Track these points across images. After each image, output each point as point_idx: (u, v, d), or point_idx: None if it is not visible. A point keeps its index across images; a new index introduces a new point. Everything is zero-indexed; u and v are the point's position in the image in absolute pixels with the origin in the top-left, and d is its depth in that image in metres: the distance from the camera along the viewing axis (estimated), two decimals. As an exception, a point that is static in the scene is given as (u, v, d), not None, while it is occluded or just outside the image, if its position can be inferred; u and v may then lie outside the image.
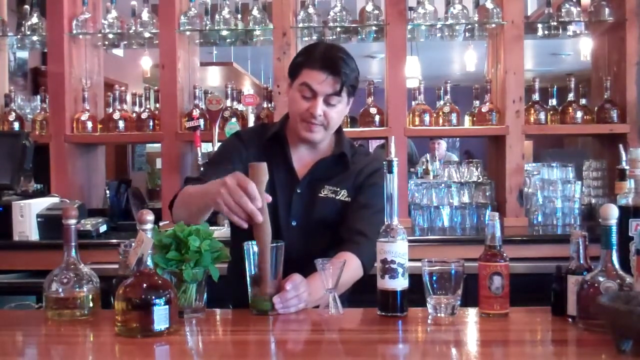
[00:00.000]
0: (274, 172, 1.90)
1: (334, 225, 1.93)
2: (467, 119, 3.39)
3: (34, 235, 2.92)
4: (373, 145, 7.52)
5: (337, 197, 1.95)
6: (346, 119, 3.29)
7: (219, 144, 2.21)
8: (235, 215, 1.56)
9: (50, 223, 2.88)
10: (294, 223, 1.94)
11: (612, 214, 1.46)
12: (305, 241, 1.90)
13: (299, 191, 1.95)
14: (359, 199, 1.96)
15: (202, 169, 2.13)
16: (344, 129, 3.16)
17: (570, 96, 3.31)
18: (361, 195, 1.96)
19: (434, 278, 1.58)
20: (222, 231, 2.79)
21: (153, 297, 1.44)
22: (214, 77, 7.82)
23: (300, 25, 3.29)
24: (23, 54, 5.19)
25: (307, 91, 1.87)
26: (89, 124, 3.39)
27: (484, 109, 3.28)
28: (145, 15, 3.37)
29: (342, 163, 2.00)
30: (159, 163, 4.94)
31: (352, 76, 1.88)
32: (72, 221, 1.62)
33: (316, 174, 1.97)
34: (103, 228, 3.04)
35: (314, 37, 3.48)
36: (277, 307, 1.61)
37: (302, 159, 1.99)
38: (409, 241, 1.62)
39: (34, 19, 3.42)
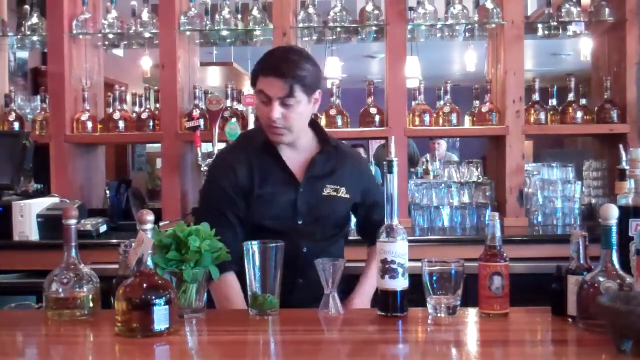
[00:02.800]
0: (271, 177, 1.99)
1: (339, 219, 2.06)
2: (467, 119, 3.39)
3: (34, 235, 2.91)
4: (373, 145, 7.52)
5: (339, 195, 2.04)
6: (346, 119, 3.29)
7: (211, 164, 2.21)
8: None
9: (50, 223, 2.87)
10: (300, 222, 1.99)
11: (612, 214, 1.46)
12: (313, 237, 1.99)
13: (301, 190, 2.00)
14: (377, 198, 2.09)
15: (205, 206, 2.08)
16: (345, 129, 3.23)
17: (570, 96, 3.31)
18: (374, 194, 2.12)
19: (434, 278, 1.58)
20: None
21: (153, 297, 1.44)
22: (214, 77, 7.83)
23: (300, 25, 3.29)
24: (23, 54, 5.18)
25: (264, 97, 1.94)
26: (89, 124, 3.38)
27: (484, 109, 3.28)
28: (145, 15, 3.36)
29: (334, 155, 2.07)
30: (159, 163, 4.94)
31: (303, 75, 1.92)
32: (72, 221, 1.62)
33: (314, 171, 2.03)
34: (103, 228, 3.04)
35: (314, 37, 3.48)
36: None
37: (292, 160, 2.04)
38: (409, 241, 1.62)
39: (34, 19, 3.42)
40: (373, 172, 3.64)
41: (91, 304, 1.62)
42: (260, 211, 1.97)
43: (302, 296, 1.87)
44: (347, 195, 2.04)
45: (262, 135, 2.03)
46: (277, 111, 1.92)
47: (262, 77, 1.94)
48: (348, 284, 1.96)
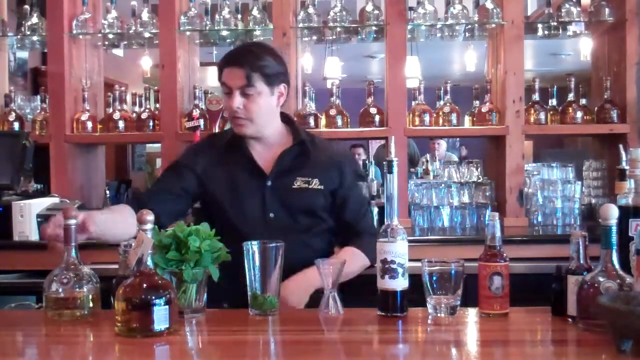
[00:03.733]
0: (237, 172, 2.03)
1: (315, 210, 2.03)
2: (467, 119, 3.38)
3: (34, 235, 2.91)
4: (373, 145, 7.52)
5: (310, 186, 2.03)
6: (346, 119, 3.28)
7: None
8: None
9: (51, 223, 2.87)
10: (271, 215, 2.00)
11: (612, 214, 1.46)
12: (286, 230, 1.96)
13: (269, 184, 2.02)
14: (349, 194, 2.06)
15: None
16: (345, 129, 3.22)
17: (570, 96, 3.31)
18: (346, 189, 2.07)
19: (434, 278, 1.58)
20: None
21: (153, 297, 1.44)
22: (214, 77, 7.81)
23: (300, 25, 3.28)
24: (23, 54, 5.19)
25: (226, 88, 2.00)
26: (89, 124, 3.38)
27: (484, 109, 3.28)
28: (145, 15, 3.36)
29: (308, 149, 2.07)
30: (159, 163, 4.94)
31: (262, 65, 1.95)
32: (72, 221, 1.63)
33: (283, 165, 2.04)
34: (103, 228, 3.03)
35: (314, 37, 3.47)
36: None
37: (262, 155, 2.06)
38: (409, 241, 1.62)
39: (34, 19, 3.42)
40: (371, 173, 3.64)
41: (91, 304, 1.62)
42: (231, 207, 1.99)
43: None
44: (321, 186, 2.02)
45: (233, 132, 2.08)
46: (237, 101, 1.96)
47: (225, 68, 1.99)
48: (348, 283, 1.95)
